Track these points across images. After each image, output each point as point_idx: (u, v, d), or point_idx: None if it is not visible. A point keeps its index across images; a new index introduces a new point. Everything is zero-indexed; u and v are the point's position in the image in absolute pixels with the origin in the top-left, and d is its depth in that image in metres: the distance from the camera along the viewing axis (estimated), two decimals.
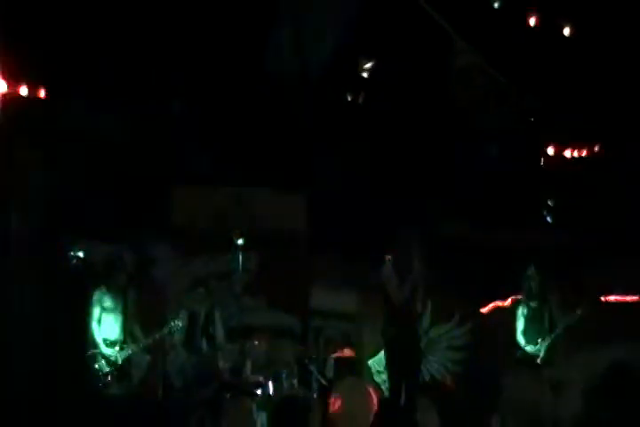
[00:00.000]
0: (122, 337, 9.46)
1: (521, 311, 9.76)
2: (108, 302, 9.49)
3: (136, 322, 9.68)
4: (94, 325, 9.39)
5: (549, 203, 11.69)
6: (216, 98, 10.90)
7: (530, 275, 9.73)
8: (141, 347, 9.58)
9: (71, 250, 10.03)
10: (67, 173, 10.55)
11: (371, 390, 8.62)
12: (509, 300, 11.36)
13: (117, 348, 9.38)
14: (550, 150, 11.44)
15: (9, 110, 9.89)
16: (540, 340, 9.54)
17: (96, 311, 9.44)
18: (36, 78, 10.22)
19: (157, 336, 9.58)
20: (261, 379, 10.05)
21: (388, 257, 8.78)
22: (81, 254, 10.02)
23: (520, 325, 9.70)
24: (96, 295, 9.51)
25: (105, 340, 9.37)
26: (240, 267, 9.85)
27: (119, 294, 9.57)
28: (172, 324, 9.61)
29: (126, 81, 10.61)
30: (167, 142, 11.23)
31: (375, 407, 6.34)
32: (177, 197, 11.58)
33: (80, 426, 8.87)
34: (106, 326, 9.45)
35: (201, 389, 9.30)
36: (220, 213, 11.42)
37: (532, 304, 9.71)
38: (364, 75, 10.99)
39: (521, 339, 9.65)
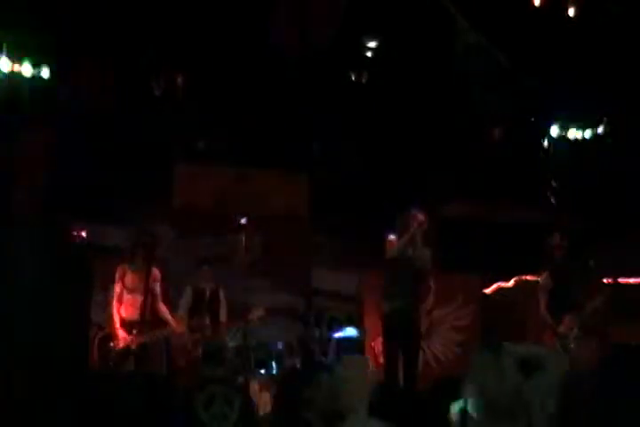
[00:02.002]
0: (140, 319, 9.30)
1: (545, 288, 9.52)
2: (129, 281, 9.39)
3: (162, 304, 9.60)
4: (114, 303, 9.31)
5: (553, 184, 11.87)
6: (219, 76, 11.03)
7: (556, 249, 9.49)
8: (178, 330, 9.60)
9: (74, 231, 10.07)
10: (67, 152, 10.67)
11: (371, 371, 8.88)
12: (513, 280, 11.83)
13: (135, 331, 9.24)
14: (554, 131, 11.67)
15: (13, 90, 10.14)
16: (567, 319, 9.23)
17: (117, 289, 9.35)
18: (39, 57, 10.45)
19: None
20: (264, 359, 10.26)
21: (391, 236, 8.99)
22: (84, 235, 10.09)
23: (543, 302, 9.47)
24: (118, 272, 9.39)
25: (122, 321, 9.29)
26: (243, 247, 9.97)
27: (142, 271, 9.42)
28: None
29: (128, 58, 10.77)
30: (169, 121, 11.37)
31: (374, 387, 6.57)
32: (179, 176, 11.73)
33: (80, 405, 8.92)
34: (127, 305, 9.36)
35: (207, 367, 9.41)
36: (222, 193, 11.71)
37: (556, 281, 9.46)
38: (367, 54, 11.14)
39: (546, 316, 9.42)
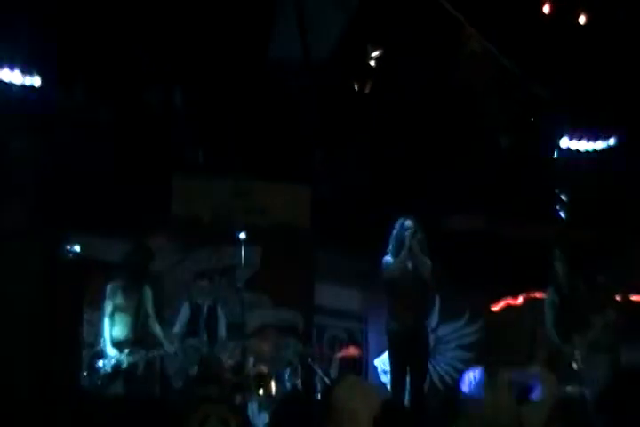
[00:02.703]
0: (132, 338, 9.32)
1: (550, 304, 9.46)
2: (120, 299, 9.34)
3: (154, 322, 9.56)
4: (105, 322, 9.27)
5: (563, 198, 11.75)
6: (218, 86, 10.96)
7: (557, 263, 9.45)
8: (171, 350, 9.55)
9: (67, 243, 9.49)
10: (63, 162, 10.59)
11: (372, 390, 8.73)
12: (521, 297, 11.75)
13: (126, 350, 9.22)
14: (564, 142, 11.53)
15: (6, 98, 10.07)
16: (575, 337, 9.15)
17: (108, 308, 9.30)
18: (33, 65, 10.37)
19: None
20: (263, 378, 10.05)
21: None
22: (77, 248, 9.62)
23: (550, 318, 9.40)
24: (109, 289, 9.34)
25: (113, 340, 9.24)
26: (242, 262, 9.89)
27: (133, 289, 9.42)
28: None
29: (125, 68, 10.69)
30: (167, 131, 11.31)
31: (376, 407, 6.41)
32: (177, 187, 11.63)
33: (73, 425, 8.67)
34: (117, 324, 9.30)
35: (203, 387, 9.31)
36: (221, 205, 11.60)
37: (562, 295, 9.39)
38: (371, 63, 10.93)
39: (553, 334, 9.35)
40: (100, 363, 9.16)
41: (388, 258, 8.77)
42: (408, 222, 8.77)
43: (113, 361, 9.15)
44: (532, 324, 11.02)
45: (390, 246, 8.83)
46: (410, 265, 8.73)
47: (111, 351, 9.18)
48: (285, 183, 12.00)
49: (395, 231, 8.83)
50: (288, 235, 11.73)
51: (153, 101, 11.06)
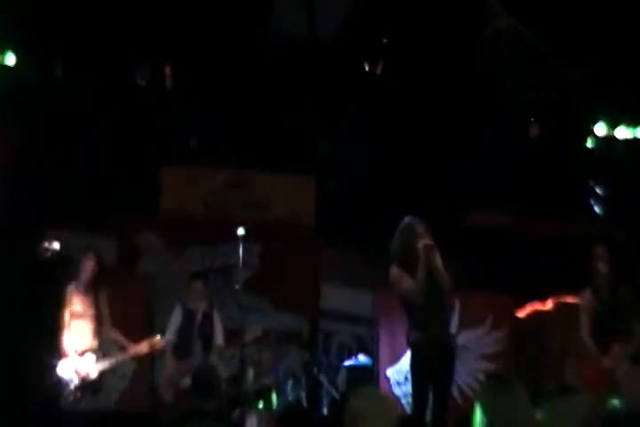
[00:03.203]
0: (95, 346, 9.20)
1: (587, 309, 8.94)
2: (77, 305, 9.22)
3: (112, 328, 9.45)
4: (65, 331, 9.15)
5: (598, 191, 11.50)
6: (213, 66, 10.77)
7: (600, 263, 8.88)
8: (128, 358, 9.44)
9: (44, 240, 9.63)
10: (40, 150, 10.43)
11: (391, 403, 8.31)
12: (550, 302, 11.44)
13: (90, 359, 9.08)
14: (599, 130, 11.22)
15: None
16: (615, 347, 8.65)
17: (66, 315, 9.21)
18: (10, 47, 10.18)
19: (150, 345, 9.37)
20: (264, 389, 10.00)
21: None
22: (56, 246, 9.60)
23: (586, 326, 8.90)
24: (66, 296, 9.26)
25: (75, 349, 9.06)
26: (240, 261, 9.54)
27: (89, 294, 9.29)
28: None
29: (111, 49, 10.44)
30: (156, 116, 11.15)
31: (395, 421, 6.08)
32: (167, 178, 11.56)
33: None
34: (76, 333, 9.15)
35: (197, 400, 8.77)
36: (216, 199, 11.58)
37: (601, 300, 8.89)
38: (384, 43, 10.79)
39: (590, 344, 8.83)
40: (64, 375, 8.98)
41: (397, 271, 7.93)
42: (420, 229, 7.92)
43: (75, 373, 9.02)
44: (562, 332, 10.76)
45: (396, 254, 8.00)
46: (427, 279, 7.97)
47: (74, 361, 9.02)
48: (288, 174, 11.85)
49: (402, 237, 8.01)
50: (291, 231, 11.60)
51: (139, 80, 10.77)
